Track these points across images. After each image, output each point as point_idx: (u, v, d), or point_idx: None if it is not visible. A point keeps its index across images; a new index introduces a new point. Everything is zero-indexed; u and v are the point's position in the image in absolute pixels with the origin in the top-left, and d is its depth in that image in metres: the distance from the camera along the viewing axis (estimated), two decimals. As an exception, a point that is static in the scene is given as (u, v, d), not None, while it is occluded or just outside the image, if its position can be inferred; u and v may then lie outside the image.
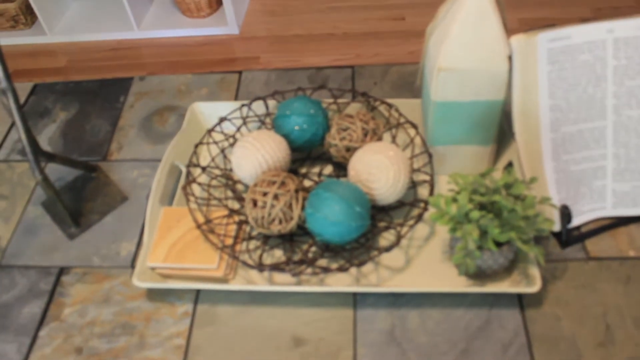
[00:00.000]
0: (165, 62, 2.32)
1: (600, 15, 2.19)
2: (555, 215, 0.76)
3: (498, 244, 0.70)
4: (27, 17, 2.54)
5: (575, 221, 0.78)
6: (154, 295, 0.77)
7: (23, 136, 0.79)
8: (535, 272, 0.71)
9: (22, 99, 1.08)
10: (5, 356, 0.73)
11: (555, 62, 0.73)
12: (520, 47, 0.72)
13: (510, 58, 0.72)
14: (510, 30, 0.71)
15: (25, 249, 0.85)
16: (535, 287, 0.69)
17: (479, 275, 0.73)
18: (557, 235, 0.78)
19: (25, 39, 2.55)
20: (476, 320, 0.71)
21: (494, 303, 0.73)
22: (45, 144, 0.99)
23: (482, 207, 0.69)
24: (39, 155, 0.81)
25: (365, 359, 0.69)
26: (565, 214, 0.76)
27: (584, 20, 0.73)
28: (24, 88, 1.10)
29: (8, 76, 0.76)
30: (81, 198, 0.90)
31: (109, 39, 2.50)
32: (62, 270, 0.82)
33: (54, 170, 0.94)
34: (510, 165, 0.82)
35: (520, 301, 0.73)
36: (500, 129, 0.80)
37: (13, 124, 1.04)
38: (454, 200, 0.69)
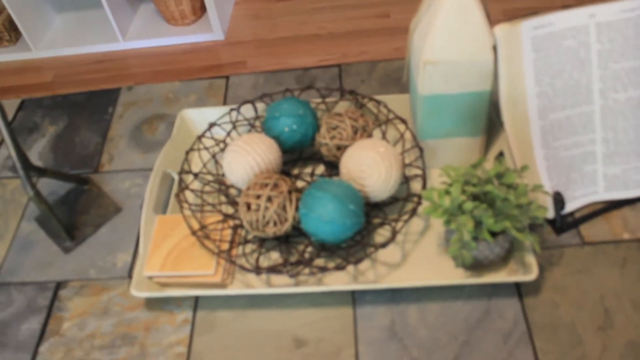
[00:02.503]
0: (152, 71, 2.32)
1: (582, 1, 2.20)
2: (549, 202, 0.77)
3: (493, 234, 0.70)
4: (11, 33, 2.53)
5: (569, 207, 0.78)
6: (152, 304, 0.77)
7: (13, 153, 0.78)
8: (531, 260, 0.71)
9: (10, 115, 1.08)
10: (7, 374, 0.73)
11: (540, 50, 0.73)
12: (504, 37, 0.72)
13: (494, 48, 0.72)
14: (494, 21, 0.71)
15: (21, 265, 0.84)
16: (532, 275, 0.69)
17: (476, 266, 0.73)
18: (551, 222, 0.78)
19: (10, 56, 2.54)
20: (475, 312, 0.72)
21: (492, 293, 0.73)
22: (35, 159, 0.99)
23: (475, 198, 0.70)
24: (30, 170, 0.81)
25: (366, 356, 0.69)
26: (559, 200, 0.76)
27: (566, 6, 0.73)
28: (11, 104, 1.09)
29: (-6, 93, 0.76)
30: (74, 211, 0.90)
31: (94, 52, 2.49)
32: (59, 285, 0.81)
33: (46, 185, 0.94)
34: (501, 155, 0.83)
35: (519, 290, 0.73)
36: (489, 120, 0.81)
37: (2, 141, 1.03)
38: (447, 192, 0.69)
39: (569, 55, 0.74)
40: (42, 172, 0.85)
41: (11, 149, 0.78)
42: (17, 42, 2.57)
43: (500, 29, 0.72)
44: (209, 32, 2.40)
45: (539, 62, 0.74)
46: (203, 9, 2.46)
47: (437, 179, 0.83)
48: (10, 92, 2.36)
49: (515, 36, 0.72)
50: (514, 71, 0.74)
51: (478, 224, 0.68)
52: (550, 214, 0.77)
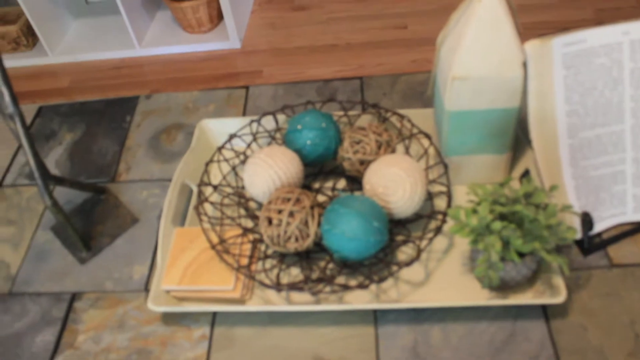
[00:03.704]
0: (169, 78, 2.32)
1: (603, 16, 2.18)
2: (576, 223, 0.75)
3: (520, 255, 0.68)
4: (29, 38, 2.54)
5: (597, 228, 0.76)
6: (169, 319, 0.76)
7: (31, 161, 0.77)
8: (559, 282, 0.69)
9: (27, 122, 1.07)
10: (20, 386, 0.72)
11: (571, 67, 0.71)
12: (535, 53, 0.70)
13: (524, 64, 0.70)
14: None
15: (36, 275, 0.83)
16: (560, 298, 0.67)
17: (502, 287, 0.72)
18: (578, 242, 0.76)
19: (27, 61, 2.55)
20: (500, 334, 0.70)
21: (518, 315, 0.71)
22: (52, 167, 0.98)
23: (502, 217, 0.68)
24: (48, 179, 0.80)
25: (388, 377, 0.68)
26: (587, 221, 0.74)
27: (599, 23, 0.72)
28: (28, 110, 1.09)
29: (15, 101, 0.75)
30: (91, 221, 0.88)
31: (111, 58, 2.50)
32: (74, 296, 0.80)
33: (63, 194, 0.93)
34: (527, 173, 0.81)
35: (545, 312, 0.71)
36: (515, 137, 0.79)
37: (19, 148, 1.02)
38: (474, 211, 0.67)
39: (601, 73, 0.72)
40: (59, 180, 0.84)
41: (30, 158, 0.77)
42: (34, 47, 2.58)
43: (531, 45, 0.70)
44: (226, 40, 2.40)
45: (570, 79, 0.72)
46: (220, 17, 2.46)
47: (461, 196, 0.82)
48: (27, 97, 2.36)
49: (546, 53, 0.71)
50: (543, 88, 0.72)
51: (505, 244, 0.67)
52: (578, 234, 0.75)
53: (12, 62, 2.54)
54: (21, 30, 2.49)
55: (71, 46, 2.55)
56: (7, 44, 2.52)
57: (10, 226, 0.90)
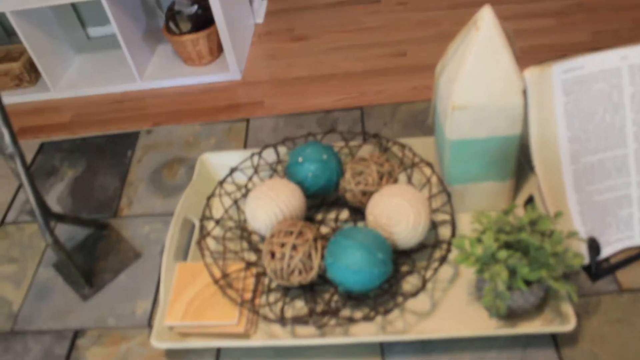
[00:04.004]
0: (170, 111, 2.33)
1: (600, 38, 2.19)
2: (583, 249, 0.74)
3: (527, 283, 0.67)
4: (31, 75, 2.56)
5: (604, 253, 0.75)
6: (173, 355, 0.74)
7: (32, 199, 0.77)
8: (568, 309, 0.68)
9: (29, 158, 1.07)
10: None
11: (571, 93, 0.71)
12: (535, 80, 0.70)
13: (524, 92, 0.70)
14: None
15: (38, 313, 0.82)
16: (569, 326, 0.66)
17: (510, 315, 0.71)
18: (586, 268, 0.75)
19: (30, 97, 2.56)
20: (510, 364, 0.69)
21: (527, 343, 0.70)
22: (54, 204, 0.98)
23: (507, 245, 0.67)
24: (49, 217, 0.80)
25: (397, 412, 0.66)
26: (594, 246, 0.74)
27: (596, 48, 0.72)
28: (30, 146, 1.09)
29: (15, 141, 0.75)
30: (93, 257, 0.88)
31: (112, 92, 2.51)
32: (76, 334, 0.79)
33: (64, 230, 0.93)
34: (531, 199, 0.80)
35: (555, 340, 0.70)
36: (517, 163, 0.78)
37: (21, 185, 1.02)
38: (479, 240, 0.67)
39: (601, 99, 0.72)
40: (60, 217, 0.84)
41: (30, 196, 0.77)
42: (37, 83, 2.60)
43: (530, 73, 0.70)
44: (226, 72, 2.42)
45: (570, 105, 0.72)
46: (220, 49, 2.48)
47: (466, 224, 0.81)
48: (29, 133, 2.37)
49: (546, 80, 0.71)
50: (544, 115, 0.72)
51: (512, 272, 0.66)
52: (585, 260, 0.74)
53: (15, 98, 2.56)
54: (24, 67, 2.51)
55: (73, 81, 2.57)
56: (10, 80, 2.54)
57: (12, 264, 0.90)
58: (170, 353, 0.75)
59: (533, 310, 0.71)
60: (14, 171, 0.76)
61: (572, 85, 0.71)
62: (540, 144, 0.73)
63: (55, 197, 0.99)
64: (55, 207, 0.97)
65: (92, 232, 0.92)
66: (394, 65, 2.29)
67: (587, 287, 0.74)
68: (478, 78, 0.70)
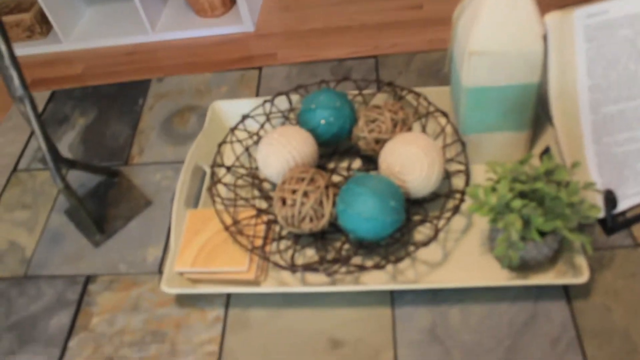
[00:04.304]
0: (182, 63, 2.31)
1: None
2: (599, 201, 0.73)
3: (541, 234, 0.66)
4: (43, 26, 2.54)
5: (621, 206, 0.74)
6: (183, 301, 0.75)
7: (42, 144, 0.77)
8: (582, 261, 0.67)
9: (40, 107, 1.06)
10: (36, 369, 0.72)
11: (593, 39, 0.69)
12: (556, 26, 0.68)
13: (544, 37, 0.68)
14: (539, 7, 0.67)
15: (51, 258, 0.83)
16: (583, 278, 0.66)
17: (522, 267, 0.70)
18: (601, 221, 0.74)
19: (41, 48, 2.55)
20: (521, 315, 0.68)
21: (539, 296, 0.69)
22: (65, 151, 0.97)
23: (522, 195, 0.66)
24: (60, 162, 0.79)
25: (406, 359, 0.66)
26: (610, 199, 0.72)
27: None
28: (42, 96, 1.08)
29: (24, 84, 0.74)
30: (104, 204, 0.88)
31: (124, 44, 2.49)
32: (88, 279, 0.80)
33: (76, 177, 0.92)
34: (547, 150, 0.79)
35: (567, 293, 0.69)
36: (535, 113, 0.77)
37: (33, 133, 1.02)
38: (493, 189, 0.66)
39: (625, 45, 0.70)
40: (71, 164, 0.83)
41: (41, 141, 0.77)
42: (48, 34, 2.58)
43: (551, 18, 0.68)
44: (239, 24, 2.38)
45: (592, 52, 0.69)
46: (233, 0, 2.44)
47: (480, 174, 0.80)
48: (41, 85, 2.37)
49: (567, 25, 0.68)
50: (564, 62, 0.70)
51: (526, 223, 0.65)
52: (601, 213, 0.72)
53: (27, 49, 2.54)
54: (35, 18, 2.49)
55: (84, 33, 2.55)
56: (21, 32, 2.53)
57: (25, 210, 0.90)
58: (180, 299, 0.75)
59: (546, 263, 0.70)
60: (24, 115, 0.75)
61: (595, 31, 0.69)
62: (559, 92, 0.71)
63: (67, 144, 0.99)
64: (67, 155, 0.97)
65: (103, 180, 0.91)
66: (410, 18, 2.25)
67: (601, 240, 0.73)
68: (497, 23, 0.67)
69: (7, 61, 0.72)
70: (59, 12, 2.46)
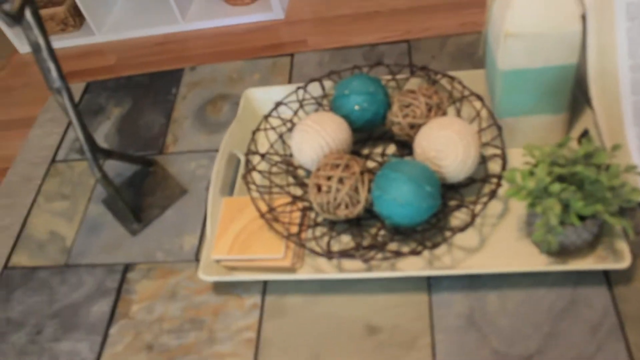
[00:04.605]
0: (213, 52, 2.32)
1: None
2: (641, 184, 0.71)
3: (581, 218, 0.65)
4: (76, 19, 2.58)
5: (663, 189, 0.72)
6: (220, 288, 0.76)
7: (80, 135, 0.78)
8: (623, 246, 0.66)
9: (76, 98, 1.08)
10: (79, 355, 0.73)
11: (635, 18, 0.67)
12: (595, 4, 0.66)
13: (583, 17, 0.66)
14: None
15: (90, 247, 0.84)
16: (625, 263, 0.64)
17: (561, 252, 0.69)
18: (642, 205, 0.72)
19: (75, 41, 2.59)
20: (560, 301, 0.67)
21: (578, 281, 0.68)
22: (101, 141, 0.99)
23: (561, 179, 0.65)
24: (97, 153, 0.80)
25: (443, 345, 0.66)
26: (652, 181, 0.70)
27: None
28: (77, 88, 1.10)
29: (62, 75, 0.75)
30: (141, 193, 0.89)
31: (155, 34, 2.51)
32: (127, 267, 0.81)
33: (112, 167, 0.94)
34: (586, 133, 0.77)
35: (607, 278, 0.68)
36: (572, 95, 0.75)
37: (69, 124, 1.04)
38: (531, 173, 0.64)
39: (668, 23, 0.68)
40: (108, 154, 0.84)
41: (79, 132, 0.78)
42: (82, 27, 2.62)
43: (591, -4, 0.66)
44: (269, 11, 2.38)
45: (634, 31, 0.68)
46: (262, -12, 2.44)
47: (516, 158, 0.78)
48: (76, 76, 2.40)
49: (608, 3, 0.66)
50: (604, 42, 0.68)
51: (565, 207, 0.64)
52: (643, 196, 0.71)
53: (61, 42, 2.59)
54: (68, 12, 2.53)
55: (116, 24, 2.58)
56: (55, 25, 2.57)
57: (64, 200, 0.92)
58: (217, 286, 0.76)
59: (586, 248, 0.69)
60: (61, 106, 0.77)
61: (638, 8, 0.67)
62: (598, 73, 0.69)
63: (103, 135, 1.00)
64: (103, 145, 0.98)
65: (139, 169, 0.92)
66: (441, 2, 2.22)
67: (643, 224, 0.71)
68: (533, 3, 0.66)
69: (45, 54, 0.73)
70: (92, 5, 2.49)
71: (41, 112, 1.08)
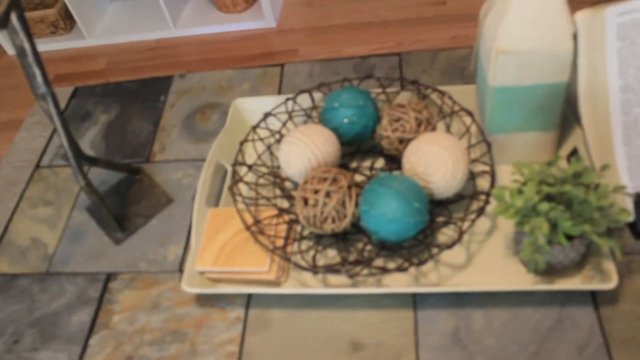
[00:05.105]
0: (204, 59, 2.31)
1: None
2: (629, 205, 0.71)
3: (569, 238, 0.65)
4: (66, 22, 2.56)
5: (651, 209, 0.72)
6: (203, 300, 0.74)
7: (64, 141, 0.77)
8: (610, 266, 0.65)
9: (63, 103, 1.07)
10: (57, 366, 0.72)
11: (626, 38, 0.67)
12: (587, 24, 0.66)
13: (575, 36, 0.66)
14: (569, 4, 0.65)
15: (72, 255, 0.83)
16: (611, 284, 0.64)
17: (548, 271, 0.68)
18: (630, 225, 0.72)
19: (65, 44, 2.57)
20: (546, 320, 0.66)
21: (565, 301, 0.68)
22: (87, 148, 0.98)
23: (549, 198, 0.64)
24: (82, 160, 0.79)
25: (428, 363, 0.65)
26: (640, 202, 0.70)
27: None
28: (65, 92, 1.09)
29: (47, 81, 0.74)
30: (126, 201, 0.88)
31: (147, 39, 2.50)
32: (109, 277, 0.80)
33: (98, 174, 0.92)
34: (575, 152, 0.77)
35: (594, 299, 0.67)
36: (562, 114, 0.75)
37: (55, 130, 1.02)
38: (520, 192, 0.64)
39: (659, 44, 0.68)
40: (93, 161, 0.83)
41: (63, 139, 0.77)
42: (72, 30, 2.60)
43: (583, 15, 0.66)
44: (261, 19, 2.38)
45: (625, 51, 0.67)
46: (255, -4, 2.44)
47: (505, 176, 0.78)
48: (64, 80, 2.38)
49: (599, 23, 0.66)
50: (595, 62, 0.68)
51: (553, 226, 0.63)
52: (631, 217, 0.71)
53: (51, 45, 2.57)
54: (59, 14, 2.51)
55: (108, 28, 2.57)
56: (45, 27, 2.55)
57: (48, 207, 0.90)
58: (201, 298, 0.75)
59: (573, 267, 0.68)
60: (46, 112, 0.75)
61: (629, 29, 0.67)
62: (589, 92, 0.69)
63: (89, 141, 0.99)
64: (89, 151, 0.97)
65: (124, 177, 0.91)
66: (433, 14, 2.22)
67: (630, 245, 0.71)
68: (525, 21, 0.66)
69: (31, 58, 0.72)
70: (83, 8, 2.47)
71: (28, 115, 1.07)
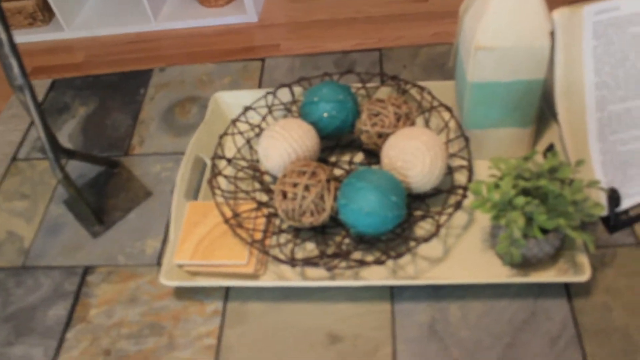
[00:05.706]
0: (185, 53, 2.29)
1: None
2: (603, 199, 0.72)
3: (544, 231, 0.66)
4: (45, 13, 2.53)
5: (624, 204, 0.73)
6: (181, 293, 0.74)
7: (42, 134, 0.76)
8: (583, 259, 0.67)
9: (40, 96, 1.06)
10: (32, 360, 0.71)
11: (602, 36, 0.68)
12: (564, 22, 0.67)
13: (552, 34, 0.67)
14: (548, 3, 0.66)
15: (49, 248, 0.82)
16: (584, 276, 0.65)
17: (524, 264, 0.69)
18: (604, 220, 0.73)
19: (43, 36, 2.54)
20: (521, 312, 0.68)
21: (540, 293, 0.69)
22: (65, 141, 0.97)
23: (525, 192, 0.65)
24: (59, 152, 0.79)
25: (405, 355, 0.66)
26: (614, 197, 0.71)
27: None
28: (42, 84, 1.07)
29: (24, 73, 0.73)
30: (104, 195, 0.87)
31: (126, 32, 2.48)
32: (86, 270, 0.79)
33: (76, 167, 0.92)
34: (551, 147, 0.78)
35: (568, 291, 0.68)
36: (539, 110, 0.76)
37: (32, 123, 1.01)
38: (496, 186, 0.65)
39: (634, 43, 0.69)
40: (71, 154, 0.83)
41: (40, 131, 0.76)
42: (50, 22, 2.57)
43: (560, 14, 0.67)
44: (243, 13, 2.37)
45: (600, 49, 0.69)
46: (236, -10, 2.43)
47: (483, 170, 0.79)
48: (42, 72, 2.35)
49: (576, 21, 0.67)
50: (572, 59, 0.69)
51: (528, 220, 0.64)
52: (605, 211, 0.72)
53: (28, 37, 2.53)
54: (37, 5, 2.48)
55: (87, 21, 2.54)
56: (23, 18, 2.51)
57: (24, 200, 0.89)
58: (178, 291, 0.75)
59: (547, 260, 0.69)
60: (23, 104, 0.75)
61: (605, 28, 0.68)
62: (565, 89, 0.70)
63: (67, 134, 0.98)
64: (67, 144, 0.96)
65: (103, 170, 0.91)
66: (415, 11, 2.23)
67: (603, 239, 0.72)
68: (504, 18, 0.66)
69: (7, 49, 0.71)
70: (62, 0, 2.44)
71: (5, 108, 1.05)
